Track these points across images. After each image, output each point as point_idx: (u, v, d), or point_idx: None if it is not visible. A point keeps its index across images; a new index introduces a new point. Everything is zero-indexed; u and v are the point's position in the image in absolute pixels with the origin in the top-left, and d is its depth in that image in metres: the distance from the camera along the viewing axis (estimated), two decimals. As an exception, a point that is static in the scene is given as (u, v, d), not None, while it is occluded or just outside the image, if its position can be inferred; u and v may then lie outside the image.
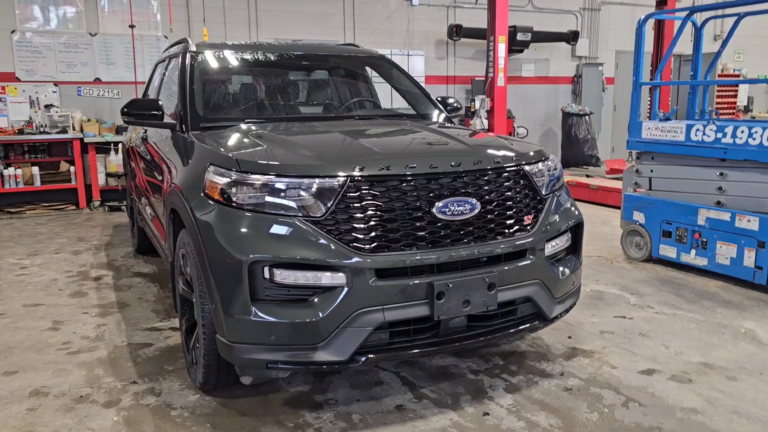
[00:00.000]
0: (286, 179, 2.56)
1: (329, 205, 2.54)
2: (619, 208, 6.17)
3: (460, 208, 2.68)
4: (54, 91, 8.34)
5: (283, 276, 2.50)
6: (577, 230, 3.19)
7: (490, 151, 2.99)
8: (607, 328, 3.81)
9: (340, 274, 2.50)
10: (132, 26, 8.36)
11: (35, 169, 7.91)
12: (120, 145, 7.42)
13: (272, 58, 4.14)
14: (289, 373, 2.70)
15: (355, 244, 2.53)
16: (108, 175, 8.20)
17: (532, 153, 3.07)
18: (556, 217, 3.03)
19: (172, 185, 3.13)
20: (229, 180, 2.62)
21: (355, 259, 2.50)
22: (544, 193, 3.02)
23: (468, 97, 10.72)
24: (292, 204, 2.55)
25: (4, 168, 7.76)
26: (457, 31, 10.43)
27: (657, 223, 5.14)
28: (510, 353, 3.43)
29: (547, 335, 3.65)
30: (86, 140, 7.98)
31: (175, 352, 3.48)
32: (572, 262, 3.15)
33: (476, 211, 2.71)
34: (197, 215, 2.70)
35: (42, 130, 7.96)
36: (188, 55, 3.92)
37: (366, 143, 2.94)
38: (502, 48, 8.67)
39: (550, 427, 2.67)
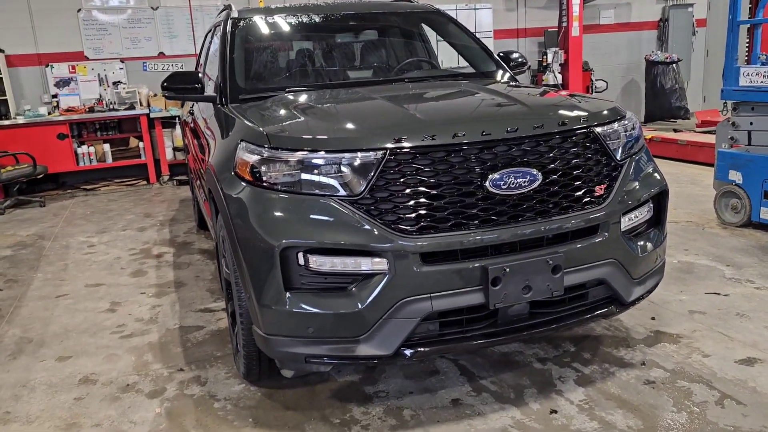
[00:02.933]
0: (320, 155, 2.30)
1: (368, 182, 2.26)
2: (711, 165, 5.54)
3: (518, 180, 2.32)
4: (121, 68, 8.44)
5: (319, 262, 2.26)
6: (660, 199, 2.76)
7: (553, 112, 2.59)
8: (698, 307, 3.36)
9: (382, 260, 2.23)
10: (189, -4, 8.27)
11: (106, 146, 8.08)
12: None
13: (317, 20, 3.84)
14: (331, 367, 2.48)
15: (397, 225, 2.25)
16: (175, 149, 8.27)
17: (604, 112, 2.65)
18: (635, 184, 2.62)
19: (209, 164, 2.94)
20: (259, 157, 2.38)
21: (397, 242, 2.22)
22: (619, 157, 2.60)
23: (540, 51, 10.04)
24: (327, 182, 2.29)
25: (78, 146, 7.96)
26: (527, -20, 9.71)
27: (757, 182, 4.53)
28: (583, 338, 3.08)
29: (626, 316, 3.25)
30: (152, 115, 8.05)
31: (225, 336, 3.36)
32: (654, 236, 2.73)
33: (537, 184, 2.35)
34: (227, 196, 2.50)
35: (111, 107, 8.10)
36: (229, 23, 3.70)
37: (410, 109, 2.62)
38: (576, -6, 7.97)
39: (629, 429, 2.33)
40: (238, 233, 2.41)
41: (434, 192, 2.27)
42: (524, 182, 2.33)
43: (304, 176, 2.31)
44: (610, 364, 2.82)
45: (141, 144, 8.19)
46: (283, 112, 2.83)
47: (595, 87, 9.74)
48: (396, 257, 2.22)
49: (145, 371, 3.03)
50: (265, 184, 2.36)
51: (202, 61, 4.95)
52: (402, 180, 2.26)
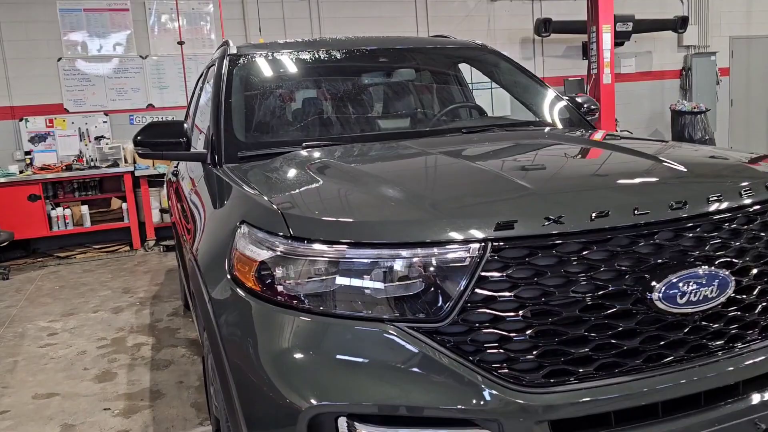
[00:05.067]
0: (372, 251, 1.39)
1: (456, 297, 1.34)
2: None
3: (702, 288, 1.41)
4: (104, 122, 7.60)
5: (375, 437, 1.32)
6: None
7: (721, 174, 1.72)
8: None
9: (483, 431, 1.30)
10: (181, 43, 7.52)
11: (84, 208, 7.15)
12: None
13: (338, 56, 3.00)
14: None
15: (505, 370, 1.32)
16: (162, 210, 7.36)
17: (785, 174, 1.77)
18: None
19: (192, 252, 2.02)
20: (272, 253, 1.47)
21: (509, 399, 1.29)
22: (816, 243, 1.70)
23: (561, 101, 9.33)
24: (385, 297, 1.38)
25: (52, 208, 7.04)
26: (546, 27, 9.09)
27: None
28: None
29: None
30: (137, 173, 7.18)
31: (214, 490, 2.36)
32: None
33: (729, 292, 1.44)
34: (218, 312, 1.57)
35: (92, 164, 7.23)
36: (226, 60, 2.86)
37: (506, 174, 1.72)
38: (607, 39, 7.31)
39: None
40: (238, 383, 1.46)
41: (566, 312, 1.35)
42: (711, 291, 1.42)
43: (347, 283, 1.40)
44: None
45: (124, 205, 7.27)
46: (303, 177, 1.93)
47: (622, 139, 8.99)
48: (508, 425, 1.29)
49: None
50: (280, 297, 1.44)
51: (191, 112, 4.12)
52: (513, 293, 1.35)
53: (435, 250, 1.37)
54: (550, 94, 3.09)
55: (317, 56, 2.97)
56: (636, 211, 1.44)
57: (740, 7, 10.75)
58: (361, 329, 1.37)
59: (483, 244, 1.36)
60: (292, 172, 2.02)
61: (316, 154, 2.22)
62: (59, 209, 7.06)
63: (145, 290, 5.50)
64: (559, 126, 2.86)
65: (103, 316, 4.78)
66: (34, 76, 7.30)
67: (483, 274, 1.34)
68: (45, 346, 4.18)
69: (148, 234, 7.36)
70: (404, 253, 1.37)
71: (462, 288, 1.34)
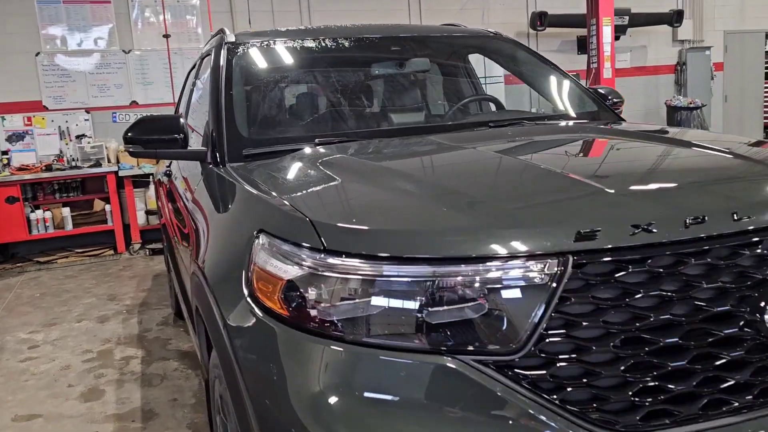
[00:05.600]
0: (427, 267, 1.15)
1: (531, 324, 1.11)
2: None
3: (819, 309, 1.19)
4: (86, 119, 7.26)
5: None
6: None
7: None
8: None
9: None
10: (167, 36, 7.20)
11: (66, 210, 6.81)
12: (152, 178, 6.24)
13: (347, 44, 2.75)
14: None
15: (594, 413, 1.08)
16: (148, 212, 7.04)
17: None
18: None
19: (195, 263, 1.76)
20: (300, 270, 1.22)
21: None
22: None
23: (557, 96, 9.15)
24: (444, 323, 1.13)
25: (32, 211, 6.70)
26: (541, 20, 8.88)
27: None
28: None
29: None
30: (121, 173, 6.85)
31: None
32: None
33: None
34: (237, 343, 1.31)
35: (73, 164, 6.89)
36: (224, 49, 2.60)
37: (571, 173, 1.47)
38: (607, 32, 7.11)
39: None
40: (260, 416, 1.22)
41: (664, 341, 1.12)
42: (829, 313, 1.20)
43: (393, 307, 1.16)
44: None
45: (108, 207, 6.94)
46: (324, 178, 1.67)
47: (619, 135, 8.83)
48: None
49: None
50: (313, 324, 1.19)
51: (183, 108, 3.84)
52: (599, 318, 1.11)
53: (506, 266, 1.13)
54: (574, 85, 2.87)
55: (324, 44, 2.71)
56: (735, 216, 1.21)
57: (734, 1, 10.65)
58: (414, 363, 1.13)
59: (562, 258, 1.12)
60: (309, 172, 1.76)
61: (333, 151, 1.97)
62: (39, 212, 6.73)
63: (131, 297, 5.20)
64: (588, 119, 2.63)
65: (88, 326, 4.48)
66: (11, 72, 6.94)
67: (564, 295, 1.11)
68: (25, 361, 3.88)
69: (133, 237, 7.04)
70: (468, 269, 1.13)
71: (539, 313, 1.10)
